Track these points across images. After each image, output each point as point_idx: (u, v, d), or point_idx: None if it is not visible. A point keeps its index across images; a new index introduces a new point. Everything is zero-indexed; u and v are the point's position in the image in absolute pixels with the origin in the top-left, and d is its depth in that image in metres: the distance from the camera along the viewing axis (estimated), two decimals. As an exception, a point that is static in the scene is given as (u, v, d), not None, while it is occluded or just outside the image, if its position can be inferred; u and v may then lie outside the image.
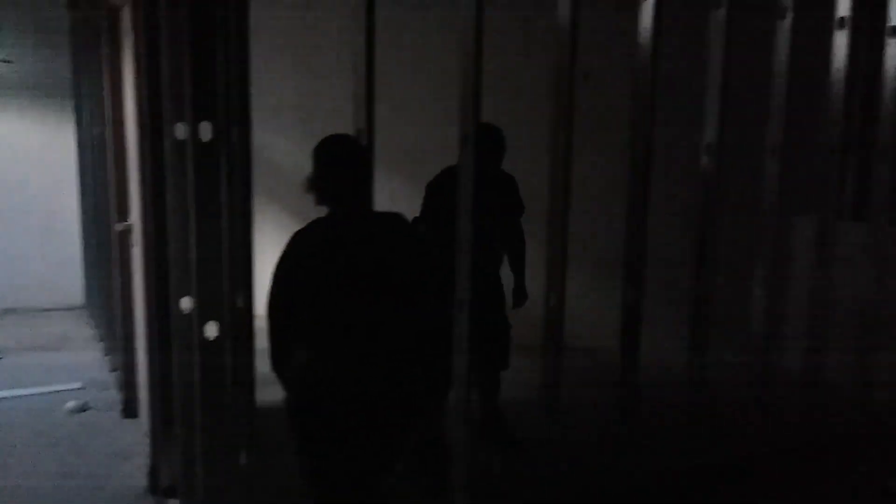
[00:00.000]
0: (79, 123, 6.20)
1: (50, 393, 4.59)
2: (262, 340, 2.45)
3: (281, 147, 5.37)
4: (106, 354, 5.19)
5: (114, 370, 4.85)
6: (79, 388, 4.68)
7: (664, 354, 4.37)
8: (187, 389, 2.59)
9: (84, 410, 4.30)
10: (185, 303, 2.56)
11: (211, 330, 2.39)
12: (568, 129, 3.00)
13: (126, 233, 3.86)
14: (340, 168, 2.38)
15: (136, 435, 3.90)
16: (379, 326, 2.29)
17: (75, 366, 5.14)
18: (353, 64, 2.63)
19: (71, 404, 4.32)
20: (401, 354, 2.30)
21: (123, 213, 3.94)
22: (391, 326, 2.31)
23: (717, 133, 3.43)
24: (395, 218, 2.46)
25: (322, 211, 2.42)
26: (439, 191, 3.70)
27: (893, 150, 4.13)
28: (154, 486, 3.31)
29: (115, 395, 4.50)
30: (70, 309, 6.74)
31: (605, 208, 5.06)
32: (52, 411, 4.29)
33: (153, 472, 3.32)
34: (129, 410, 4.15)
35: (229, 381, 2.42)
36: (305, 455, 2.36)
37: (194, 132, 2.30)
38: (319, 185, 2.38)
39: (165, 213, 2.71)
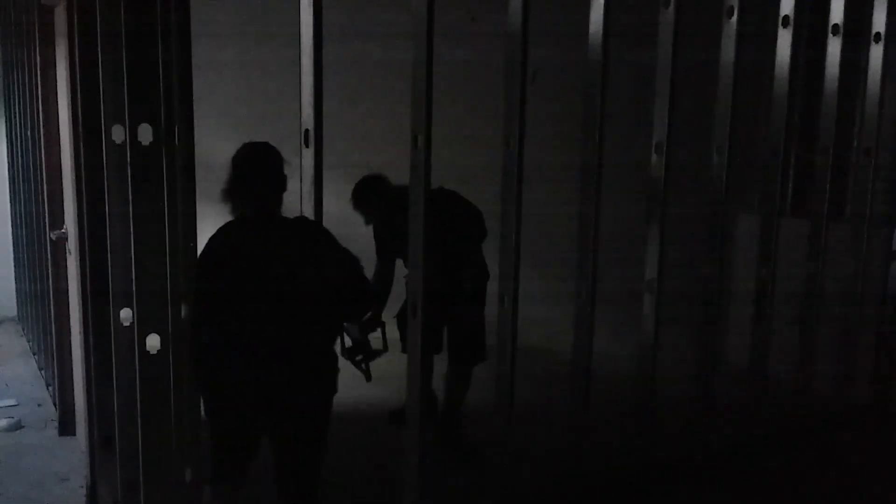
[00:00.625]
0: (9, 127, 5.94)
1: (-20, 410, 4.37)
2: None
3: (227, 151, 5.21)
4: (40, 369, 4.96)
5: (49, 385, 4.64)
6: (12, 405, 4.46)
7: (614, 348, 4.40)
8: (128, 405, 2.48)
9: (18, 429, 4.09)
10: (125, 314, 2.45)
11: (153, 342, 2.28)
12: (520, 126, 2.95)
13: (60, 241, 3.68)
14: (246, 175, 2.43)
15: (74, 454, 3.73)
16: (277, 322, 2.40)
17: (8, 381, 4.90)
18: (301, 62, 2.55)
19: (3, 422, 4.11)
20: (293, 345, 2.44)
21: (57, 220, 3.76)
22: (289, 323, 2.42)
23: (666, 132, 3.44)
24: (301, 221, 2.57)
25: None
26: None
27: (833, 146, 4.22)
28: (93, 508, 3.17)
29: (50, 412, 4.30)
30: (0, 321, 6.45)
31: (556, 207, 5.04)
32: (-18, 430, 4.08)
33: (92, 494, 3.17)
34: (66, 427, 3.96)
35: (173, 396, 2.30)
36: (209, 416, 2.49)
37: (133, 135, 2.19)
38: (230, 191, 2.43)
39: (103, 219, 2.59)
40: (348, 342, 3.79)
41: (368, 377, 3.87)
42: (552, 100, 5.17)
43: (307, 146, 2.55)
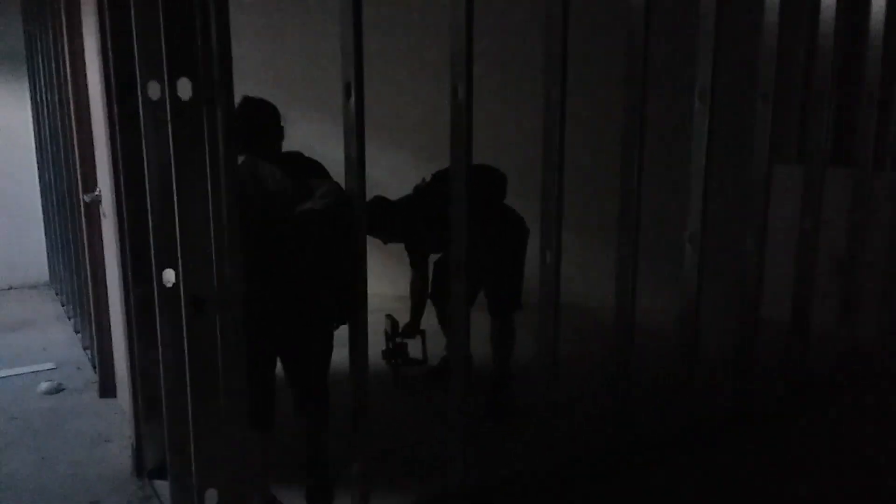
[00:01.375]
0: (34, 91, 5.91)
1: (20, 375, 4.39)
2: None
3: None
4: (76, 332, 4.99)
5: (86, 348, 4.66)
6: (51, 369, 4.49)
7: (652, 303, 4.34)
8: (175, 365, 2.46)
9: (58, 392, 4.12)
10: (168, 275, 2.41)
11: (199, 302, 2.24)
12: (563, 74, 2.86)
13: (95, 204, 3.65)
14: (247, 122, 2.83)
15: (116, 415, 3.75)
16: (280, 248, 2.75)
17: (45, 346, 4.94)
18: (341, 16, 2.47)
19: (44, 386, 4.14)
20: (298, 270, 2.78)
21: (90, 182, 3.73)
22: (290, 248, 2.77)
23: (710, 78, 3.33)
24: (296, 155, 2.96)
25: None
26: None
27: (880, 93, 4.08)
28: (140, 469, 3.17)
29: (89, 374, 4.33)
30: (33, 287, 6.49)
31: (596, 163, 4.96)
32: (24, 394, 4.10)
33: (137, 454, 3.18)
34: (107, 389, 3.98)
35: (220, 354, 2.27)
36: None
37: (172, 90, 2.13)
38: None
39: (140, 180, 2.54)
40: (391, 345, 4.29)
41: (397, 383, 4.28)
42: (593, 46, 5.06)
43: (348, 98, 2.48)
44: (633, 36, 3.12)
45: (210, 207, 2.20)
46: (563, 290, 3.08)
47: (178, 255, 2.21)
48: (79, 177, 3.84)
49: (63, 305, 5.67)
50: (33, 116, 6.10)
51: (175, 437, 2.60)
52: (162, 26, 2.12)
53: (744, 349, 3.84)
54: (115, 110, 2.86)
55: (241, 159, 2.80)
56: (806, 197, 3.98)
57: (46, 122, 5.37)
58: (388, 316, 4.45)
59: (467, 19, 2.63)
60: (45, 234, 6.28)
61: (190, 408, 2.34)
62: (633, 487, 3.22)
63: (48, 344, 4.96)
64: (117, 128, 2.86)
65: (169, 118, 2.15)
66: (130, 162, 2.72)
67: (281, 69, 5.56)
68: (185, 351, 2.29)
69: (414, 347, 4.38)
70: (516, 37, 5.39)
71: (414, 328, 4.33)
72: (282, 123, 2.95)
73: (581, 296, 5.31)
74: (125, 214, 2.89)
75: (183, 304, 2.23)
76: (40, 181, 6.16)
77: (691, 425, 3.63)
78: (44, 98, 5.37)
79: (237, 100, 2.68)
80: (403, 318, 4.38)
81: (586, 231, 5.38)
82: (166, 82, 2.14)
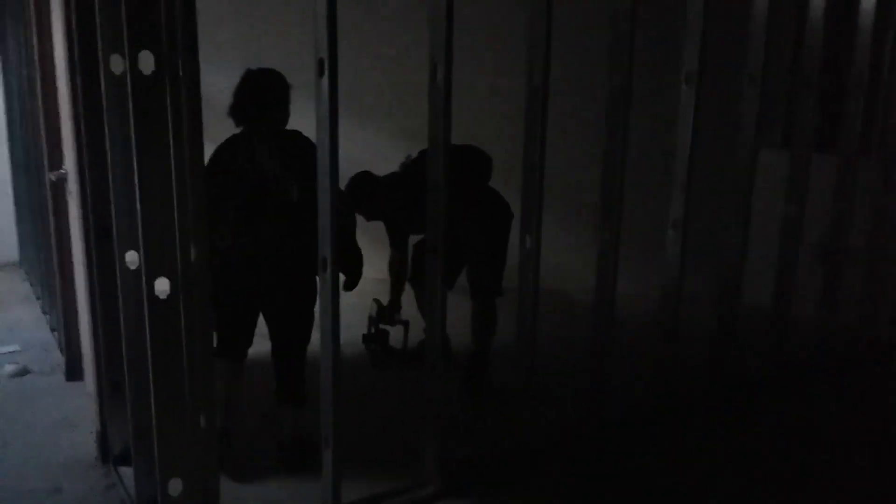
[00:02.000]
0: (5, 66, 5.74)
1: (-15, 356, 4.28)
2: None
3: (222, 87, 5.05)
4: (44, 313, 4.87)
5: (54, 330, 4.54)
6: (16, 351, 4.37)
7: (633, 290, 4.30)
8: (137, 351, 2.37)
9: (24, 374, 4.00)
10: (131, 257, 2.32)
11: (162, 286, 2.15)
12: (545, 55, 2.78)
13: (60, 182, 3.53)
14: (249, 94, 2.88)
15: (83, 399, 3.63)
16: (276, 222, 2.87)
17: (11, 326, 4.81)
18: None
19: (9, 368, 4.02)
20: (291, 241, 2.90)
21: (56, 160, 3.60)
22: (288, 224, 2.87)
23: (697, 61, 3.26)
24: (296, 135, 2.95)
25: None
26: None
27: (869, 80, 4.02)
28: (105, 455, 3.08)
29: (57, 357, 4.21)
30: (2, 267, 6.34)
31: (577, 146, 4.89)
32: (-12, 376, 3.99)
33: (102, 440, 3.08)
34: (73, 373, 3.86)
35: (184, 340, 2.18)
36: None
37: (133, 64, 2.02)
38: (234, 108, 2.89)
39: (104, 157, 2.45)
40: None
41: (374, 364, 4.24)
42: (577, 28, 4.97)
43: (321, 75, 2.37)
44: (619, 20, 3.04)
45: (174, 187, 2.10)
46: (546, 276, 3.01)
47: (141, 237, 2.12)
48: (45, 154, 3.72)
49: (32, 286, 5.53)
50: (4, 91, 5.93)
51: (138, 424, 2.53)
52: (124, 6, 2.01)
53: (723, 333, 3.80)
54: (79, 85, 2.74)
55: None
56: (791, 183, 3.93)
57: (15, 98, 5.22)
58: (376, 300, 4.36)
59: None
60: (15, 211, 6.12)
61: (152, 394, 2.25)
62: (609, 467, 3.19)
63: (14, 325, 4.84)
64: (80, 103, 2.74)
65: (130, 93, 2.05)
66: (94, 139, 2.60)
67: (283, 50, 5.40)
68: (147, 336, 2.20)
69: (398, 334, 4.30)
70: (503, 16, 5.28)
71: (393, 308, 4.24)
72: (288, 98, 2.93)
73: (564, 281, 5.24)
74: (88, 193, 2.78)
75: (144, 287, 2.14)
76: (10, 159, 5.99)
77: (667, 407, 3.60)
78: (14, 73, 5.22)
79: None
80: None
81: (572, 216, 5.29)
82: (127, 55, 2.04)
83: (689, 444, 3.40)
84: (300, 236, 2.80)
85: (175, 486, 2.36)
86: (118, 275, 2.35)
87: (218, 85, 2.94)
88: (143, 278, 2.13)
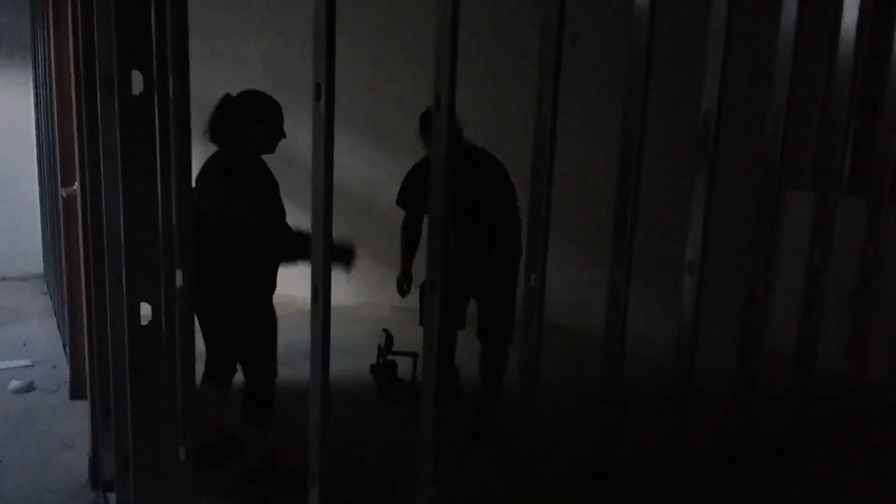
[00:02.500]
0: (36, 82, 5.84)
1: (-5, 370, 4.28)
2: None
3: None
4: (59, 329, 4.88)
5: (65, 346, 4.54)
6: (27, 366, 4.37)
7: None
8: (122, 377, 2.32)
9: (29, 391, 3.99)
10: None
11: (144, 311, 2.09)
12: (553, 101, 2.69)
13: (71, 198, 3.53)
14: (223, 117, 2.91)
15: (83, 419, 3.59)
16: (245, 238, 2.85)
17: (26, 341, 4.82)
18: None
19: (15, 384, 4.01)
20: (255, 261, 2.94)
21: (69, 177, 3.61)
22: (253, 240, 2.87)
23: (717, 98, 3.15)
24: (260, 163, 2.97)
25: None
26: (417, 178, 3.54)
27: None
28: (95, 480, 3.02)
29: (65, 374, 4.18)
30: (26, 279, 6.40)
31: (585, 183, 4.79)
32: (-6, 391, 3.98)
33: (94, 465, 3.03)
34: (77, 392, 3.84)
35: (164, 370, 2.12)
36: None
37: (123, 84, 1.99)
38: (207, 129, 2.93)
39: (100, 177, 2.42)
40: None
41: (382, 395, 4.17)
42: (593, 66, 4.90)
43: (318, 100, 2.32)
44: (635, 56, 2.96)
45: (160, 209, 2.06)
46: (555, 310, 2.90)
47: (124, 259, 2.07)
48: (58, 171, 3.73)
49: (52, 300, 5.56)
50: (35, 106, 6.03)
51: (122, 451, 2.47)
52: (113, 17, 1.98)
53: (744, 382, 3.64)
54: (83, 103, 2.73)
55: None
56: (817, 226, 3.78)
57: (42, 113, 5.29)
58: (385, 330, 4.30)
59: (453, 23, 2.48)
60: (41, 225, 6.19)
61: (130, 422, 2.19)
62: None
63: (30, 339, 4.85)
64: (83, 121, 2.72)
65: (118, 112, 2.01)
66: (93, 158, 2.58)
67: (287, 68, 5.44)
68: (127, 363, 2.14)
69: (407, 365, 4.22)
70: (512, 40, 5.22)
71: (405, 279, 3.95)
72: (267, 122, 2.95)
73: (573, 315, 5.11)
74: (88, 211, 2.76)
75: (126, 312, 2.08)
76: (39, 173, 6.08)
77: (683, 458, 3.44)
78: (41, 89, 5.29)
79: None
80: (398, 332, 4.23)
81: (581, 246, 5.18)
82: (116, 75, 2.00)
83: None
84: (248, 266, 2.91)
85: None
86: (107, 297, 2.30)
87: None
88: (125, 302, 2.08)
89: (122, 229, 2.05)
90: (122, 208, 2.03)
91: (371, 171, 5.86)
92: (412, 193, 3.72)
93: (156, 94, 2.02)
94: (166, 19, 2.03)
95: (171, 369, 2.18)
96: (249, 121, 2.91)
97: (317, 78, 2.32)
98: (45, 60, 4.60)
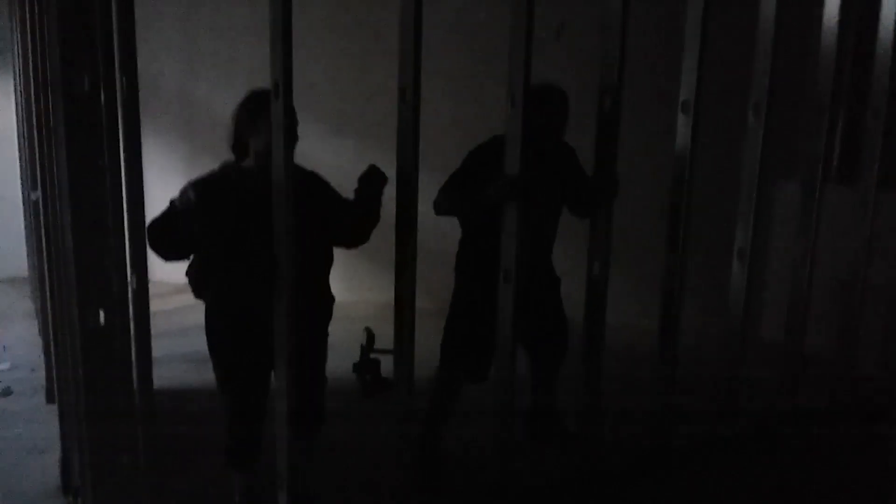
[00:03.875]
0: (15, 85, 5.78)
1: (-28, 374, 4.23)
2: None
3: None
4: (39, 332, 4.82)
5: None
6: (5, 370, 4.32)
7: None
8: (75, 381, 2.26)
9: (6, 395, 3.95)
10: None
11: (93, 317, 2.03)
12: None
13: (39, 201, 3.47)
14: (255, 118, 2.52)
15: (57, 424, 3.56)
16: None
17: (8, 343, 4.78)
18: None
19: (-8, 388, 3.97)
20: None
21: (36, 179, 3.55)
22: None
23: (695, 88, 3.08)
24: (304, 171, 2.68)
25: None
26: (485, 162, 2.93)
27: (887, 105, 3.79)
28: (66, 486, 2.97)
29: (42, 378, 4.14)
30: (12, 281, 6.35)
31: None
32: (-29, 396, 3.94)
33: (65, 469, 2.98)
34: (53, 395, 3.78)
35: (116, 376, 2.07)
36: (218, 362, 2.63)
37: (66, 83, 1.92)
38: (239, 136, 2.57)
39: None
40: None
41: (365, 394, 4.10)
42: (582, 56, 4.82)
43: (276, 98, 2.26)
44: (610, 45, 2.88)
45: (109, 213, 2.00)
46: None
47: (72, 263, 2.01)
48: (28, 174, 3.67)
49: (34, 303, 5.52)
50: (15, 108, 5.98)
51: (80, 456, 2.42)
52: (55, 13, 1.91)
53: (731, 373, 3.56)
54: (42, 105, 2.67)
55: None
56: (803, 214, 3.72)
57: (19, 115, 5.25)
58: (367, 328, 4.25)
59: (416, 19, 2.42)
60: (25, 227, 6.15)
61: (83, 429, 2.14)
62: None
63: (11, 342, 4.81)
64: (43, 124, 2.67)
65: (62, 114, 1.95)
66: (51, 160, 2.52)
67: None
68: (80, 368, 2.09)
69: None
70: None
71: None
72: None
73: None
74: (48, 214, 2.70)
75: (77, 315, 2.02)
76: (20, 174, 6.03)
77: (666, 456, 3.39)
78: (18, 90, 5.25)
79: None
80: (381, 330, 4.16)
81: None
82: (60, 74, 1.94)
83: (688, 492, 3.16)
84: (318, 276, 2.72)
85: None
86: (58, 302, 2.24)
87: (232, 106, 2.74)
88: (75, 306, 2.02)
89: (70, 232, 1.98)
90: (69, 210, 1.97)
91: (356, 167, 5.79)
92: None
93: (102, 94, 1.95)
94: (112, 17, 1.97)
95: (125, 374, 2.12)
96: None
97: (274, 75, 2.26)
98: (20, 61, 4.54)
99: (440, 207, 3.02)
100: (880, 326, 4.27)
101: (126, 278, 2.05)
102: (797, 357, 3.81)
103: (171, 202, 2.48)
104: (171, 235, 2.43)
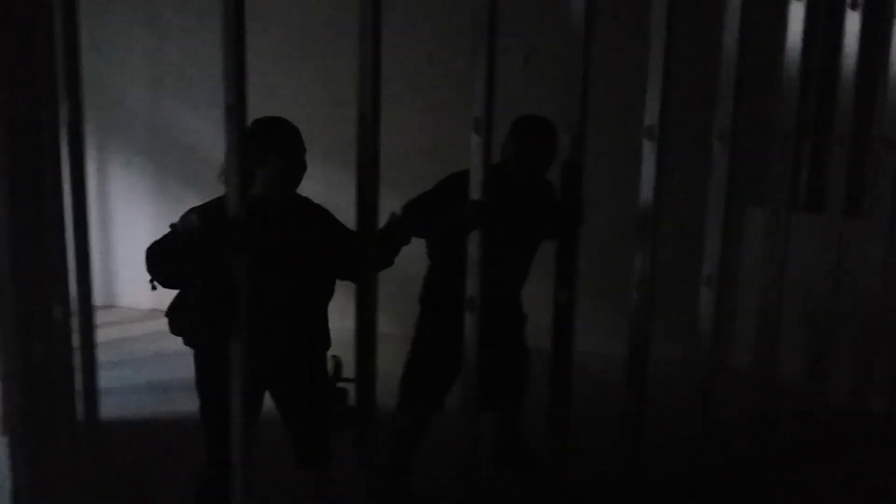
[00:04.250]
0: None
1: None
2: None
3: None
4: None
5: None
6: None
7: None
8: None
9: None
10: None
11: (31, 343, 1.98)
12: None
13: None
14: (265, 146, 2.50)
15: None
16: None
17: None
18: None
19: (-54, 417, 3.84)
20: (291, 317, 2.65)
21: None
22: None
23: (659, 115, 3.07)
24: (304, 202, 2.68)
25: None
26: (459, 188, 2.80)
27: (852, 134, 3.81)
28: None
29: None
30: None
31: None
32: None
33: (15, 501, 2.88)
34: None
35: (52, 406, 2.01)
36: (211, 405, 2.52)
37: (5, 104, 1.88)
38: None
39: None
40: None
41: (333, 426, 3.74)
42: (550, 84, 4.83)
43: (230, 121, 2.22)
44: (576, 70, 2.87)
45: (43, 234, 1.94)
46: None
47: (9, 290, 1.95)
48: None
49: None
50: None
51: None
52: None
53: (702, 405, 3.52)
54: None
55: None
56: (769, 242, 3.72)
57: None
58: (334, 356, 4.17)
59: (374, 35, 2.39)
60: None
61: (24, 459, 2.07)
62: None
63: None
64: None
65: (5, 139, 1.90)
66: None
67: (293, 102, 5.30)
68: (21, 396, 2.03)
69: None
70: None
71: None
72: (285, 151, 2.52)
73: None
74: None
75: (11, 347, 1.97)
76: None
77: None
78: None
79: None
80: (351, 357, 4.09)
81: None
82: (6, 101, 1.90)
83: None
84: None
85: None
86: (3, 330, 2.18)
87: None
88: (12, 333, 1.96)
89: (9, 255, 1.93)
90: (8, 234, 1.92)
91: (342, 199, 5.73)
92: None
93: (44, 115, 1.91)
94: (57, 37, 1.93)
95: (69, 403, 2.06)
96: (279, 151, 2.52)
97: (227, 98, 2.22)
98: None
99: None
100: (851, 354, 4.25)
101: (68, 306, 1.99)
102: (767, 386, 3.78)
103: (172, 227, 2.40)
104: (169, 260, 2.36)
